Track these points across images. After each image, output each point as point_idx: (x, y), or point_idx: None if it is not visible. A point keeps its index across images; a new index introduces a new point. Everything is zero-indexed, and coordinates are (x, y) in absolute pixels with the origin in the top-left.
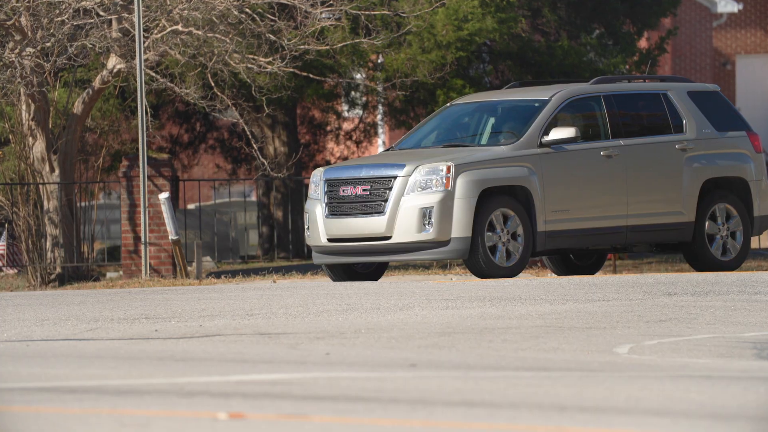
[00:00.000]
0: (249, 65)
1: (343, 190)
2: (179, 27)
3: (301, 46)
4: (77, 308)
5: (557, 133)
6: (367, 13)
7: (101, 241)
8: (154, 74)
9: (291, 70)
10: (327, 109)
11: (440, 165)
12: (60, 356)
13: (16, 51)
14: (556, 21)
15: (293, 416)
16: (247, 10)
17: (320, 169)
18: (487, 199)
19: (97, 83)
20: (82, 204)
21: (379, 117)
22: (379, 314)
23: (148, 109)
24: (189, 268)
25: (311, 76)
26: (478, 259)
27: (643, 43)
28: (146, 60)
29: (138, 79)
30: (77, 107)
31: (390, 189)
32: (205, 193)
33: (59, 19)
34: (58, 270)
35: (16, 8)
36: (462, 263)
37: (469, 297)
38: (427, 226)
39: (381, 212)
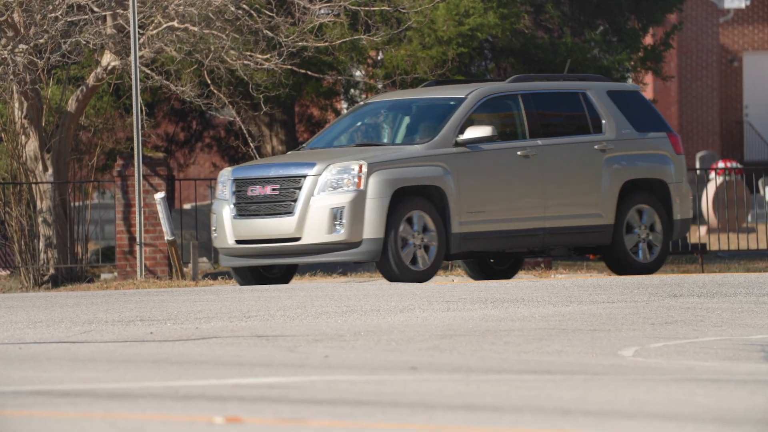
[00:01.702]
0: (246, 62)
1: (252, 190)
2: (175, 23)
3: (300, 43)
4: (71, 310)
5: (473, 132)
6: (366, 8)
7: (95, 242)
8: (149, 71)
9: (289, 67)
10: (326, 106)
11: (352, 164)
12: (53, 359)
13: (9, 48)
14: (560, 17)
15: (291, 420)
16: (244, 6)
17: (228, 169)
18: (400, 200)
19: (91, 81)
20: (76, 204)
21: None
22: (378, 316)
23: (143, 107)
24: (185, 270)
25: (309, 73)
26: (390, 262)
27: (648, 40)
28: (141, 57)
29: (133, 77)
30: (71, 105)
31: (299, 189)
32: (201, 192)
33: (53, 15)
34: (52, 271)
35: (8, 4)
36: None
37: (471, 299)
38: (338, 227)
39: (290, 213)
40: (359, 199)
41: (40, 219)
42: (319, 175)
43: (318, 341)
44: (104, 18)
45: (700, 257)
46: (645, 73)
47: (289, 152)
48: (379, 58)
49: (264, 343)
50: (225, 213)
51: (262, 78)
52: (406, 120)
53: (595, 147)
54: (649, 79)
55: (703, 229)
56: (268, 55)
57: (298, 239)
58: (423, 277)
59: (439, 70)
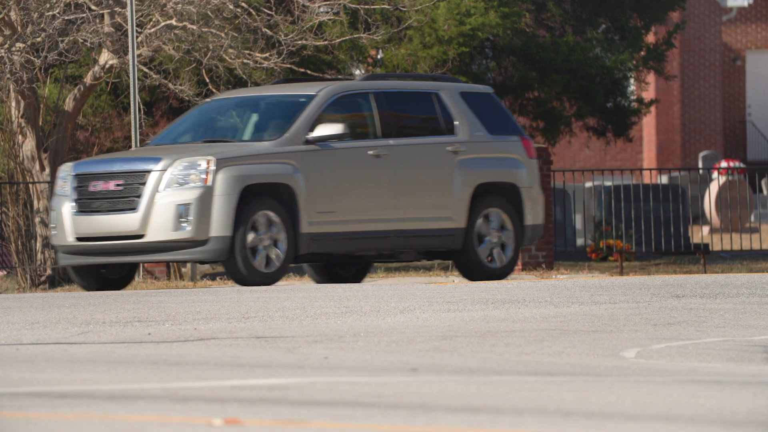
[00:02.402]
0: (245, 61)
1: (94, 186)
2: (173, 22)
3: (299, 41)
4: (68, 311)
5: (323, 130)
6: (366, 7)
7: None
8: (147, 70)
9: (288, 65)
10: None
11: (199, 159)
12: (50, 360)
13: (6, 46)
14: (561, 15)
15: (291, 422)
16: (242, 4)
17: (69, 164)
18: (249, 198)
19: (88, 79)
20: None
21: None
22: (378, 317)
23: (141, 106)
24: (183, 270)
25: (309, 72)
26: (237, 262)
27: (650, 38)
28: (139, 55)
29: (131, 75)
30: (68, 104)
31: (144, 184)
32: None
33: (50, 13)
34: (49, 272)
35: (5, 2)
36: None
37: (472, 299)
38: (183, 224)
39: (134, 209)
40: (206, 195)
41: (37, 219)
42: (165, 170)
43: (317, 342)
44: (102, 16)
45: (703, 258)
46: (647, 72)
47: (132, 148)
48: (379, 56)
49: (263, 344)
50: (65, 209)
51: (261, 77)
52: (255, 117)
53: (448, 149)
54: (652, 78)
55: (705, 230)
56: (267, 54)
57: (141, 236)
58: (270, 279)
59: (439, 69)
